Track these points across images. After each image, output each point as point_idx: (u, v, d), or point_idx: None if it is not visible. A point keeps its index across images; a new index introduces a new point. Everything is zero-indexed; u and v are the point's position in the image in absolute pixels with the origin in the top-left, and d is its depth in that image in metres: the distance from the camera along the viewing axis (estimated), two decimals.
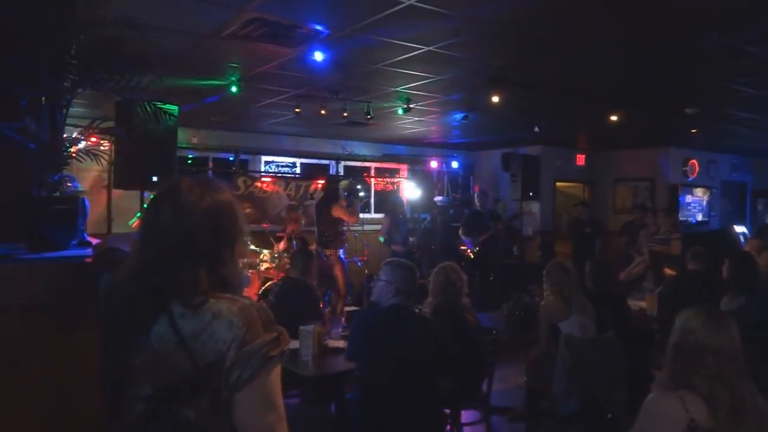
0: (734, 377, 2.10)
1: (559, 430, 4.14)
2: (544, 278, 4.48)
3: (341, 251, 7.54)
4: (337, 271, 7.31)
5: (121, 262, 1.61)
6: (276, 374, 1.39)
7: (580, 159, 12.11)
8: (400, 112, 7.42)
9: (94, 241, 2.13)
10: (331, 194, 7.46)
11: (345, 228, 7.65)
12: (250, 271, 7.58)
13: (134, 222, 7.04)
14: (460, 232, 9.37)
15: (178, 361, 1.35)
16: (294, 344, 3.71)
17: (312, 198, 9.61)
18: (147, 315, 1.40)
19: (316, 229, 7.57)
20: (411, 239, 9.45)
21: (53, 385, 1.65)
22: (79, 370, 1.67)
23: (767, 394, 2.20)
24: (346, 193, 7.51)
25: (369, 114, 7.20)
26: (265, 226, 8.99)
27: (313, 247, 7.33)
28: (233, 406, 1.35)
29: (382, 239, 9.15)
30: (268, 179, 9.81)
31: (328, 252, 7.27)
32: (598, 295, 4.55)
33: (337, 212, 7.23)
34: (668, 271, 6.87)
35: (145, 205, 1.55)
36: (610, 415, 3.78)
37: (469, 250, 9.08)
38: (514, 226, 10.00)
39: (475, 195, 9.78)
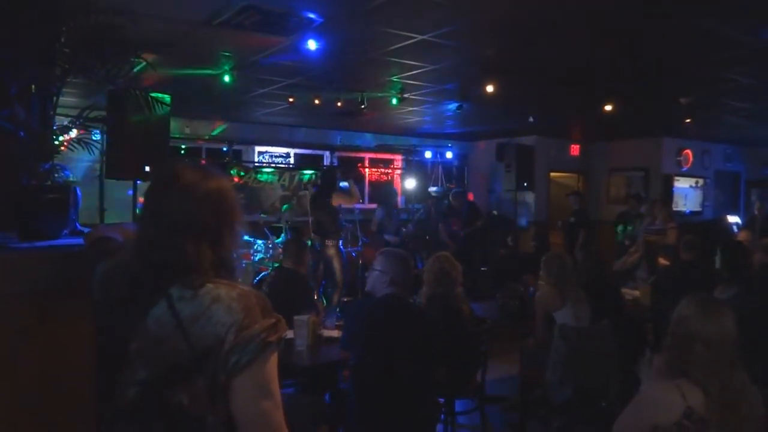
0: (724, 366, 2.10)
1: (552, 419, 4.16)
2: (541, 268, 4.49)
3: (340, 242, 7.50)
4: (336, 263, 7.26)
5: (117, 250, 1.61)
6: (273, 362, 1.39)
7: (575, 149, 12.12)
8: (394, 101, 7.39)
9: (86, 230, 2.11)
10: (330, 184, 7.39)
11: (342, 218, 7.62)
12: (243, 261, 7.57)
13: None
14: (440, 227, 9.44)
15: (175, 344, 1.35)
16: (288, 334, 3.71)
17: (306, 188, 9.58)
18: (147, 296, 1.40)
19: (310, 220, 7.53)
20: (403, 229, 9.47)
21: (45, 372, 1.64)
22: (70, 358, 1.66)
23: (760, 384, 2.21)
24: (340, 183, 7.48)
25: (363, 104, 7.17)
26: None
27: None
28: (229, 392, 1.35)
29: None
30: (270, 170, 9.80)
31: (328, 243, 7.22)
32: (592, 285, 4.57)
33: (338, 200, 7.17)
34: (662, 260, 6.89)
35: (144, 192, 1.55)
36: (604, 404, 3.80)
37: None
38: (506, 216, 10.03)
39: (450, 194, 9.78)
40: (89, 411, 1.64)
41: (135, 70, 2.41)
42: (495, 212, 9.88)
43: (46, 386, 1.65)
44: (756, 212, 9.32)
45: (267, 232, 8.02)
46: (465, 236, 9.13)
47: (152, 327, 1.38)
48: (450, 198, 9.71)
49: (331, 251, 7.23)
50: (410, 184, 11.05)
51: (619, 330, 4.10)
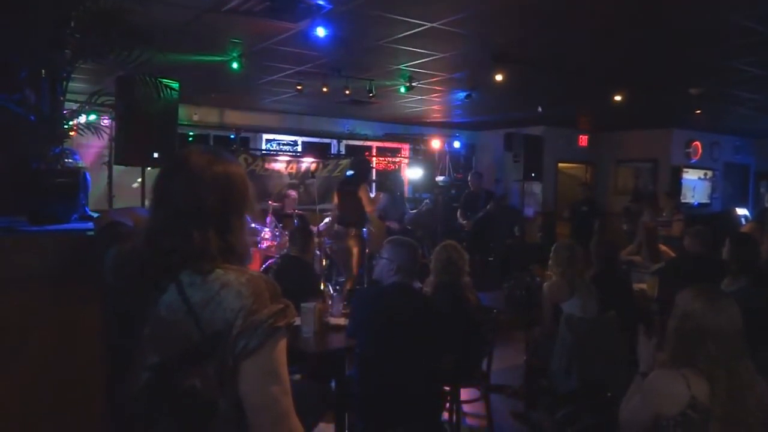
0: (733, 359, 2.09)
1: (557, 409, 4.17)
2: (551, 255, 4.47)
3: (364, 231, 7.46)
4: (355, 251, 7.19)
5: (127, 235, 1.61)
6: (282, 347, 1.40)
7: (583, 140, 12.06)
8: (402, 90, 7.36)
9: (96, 215, 2.12)
10: (363, 176, 7.29)
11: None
12: (251, 248, 7.57)
13: None
14: (458, 214, 9.44)
15: (186, 329, 1.36)
16: (295, 321, 3.71)
17: (313, 177, 9.55)
18: (157, 281, 1.41)
19: (337, 207, 7.42)
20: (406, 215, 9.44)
21: (54, 355, 1.66)
22: (79, 341, 1.67)
23: (766, 375, 2.20)
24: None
25: (371, 92, 7.14)
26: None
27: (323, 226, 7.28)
28: (238, 376, 1.36)
29: None
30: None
31: (350, 232, 7.16)
32: (601, 275, 4.56)
33: (363, 193, 7.12)
34: (663, 248, 6.84)
35: (155, 177, 1.56)
36: (610, 394, 3.80)
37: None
38: (513, 206, 10.02)
39: (469, 176, 9.81)
40: (98, 394, 1.65)
41: (143, 55, 2.41)
42: (507, 198, 9.89)
43: (55, 368, 1.66)
44: (767, 205, 9.26)
45: (275, 219, 8.03)
46: (473, 223, 9.13)
47: (164, 312, 1.39)
48: (469, 179, 9.72)
49: (352, 241, 7.16)
50: (417, 173, 11.03)
51: (627, 321, 4.09)
